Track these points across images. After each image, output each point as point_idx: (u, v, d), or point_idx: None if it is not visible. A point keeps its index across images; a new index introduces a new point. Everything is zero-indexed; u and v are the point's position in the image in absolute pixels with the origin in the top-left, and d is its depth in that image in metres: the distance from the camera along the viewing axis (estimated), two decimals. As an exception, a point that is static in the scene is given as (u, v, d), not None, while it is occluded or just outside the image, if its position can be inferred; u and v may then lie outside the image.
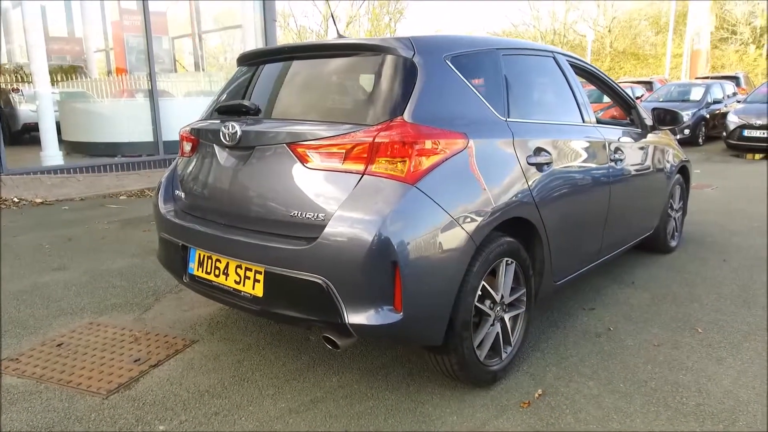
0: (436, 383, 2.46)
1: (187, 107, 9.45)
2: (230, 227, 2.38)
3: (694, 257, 4.29)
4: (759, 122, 10.74)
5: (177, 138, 9.32)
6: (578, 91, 3.17)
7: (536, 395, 2.37)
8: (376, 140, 2.03)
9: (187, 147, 2.75)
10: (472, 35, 3.30)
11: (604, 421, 2.19)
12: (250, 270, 2.27)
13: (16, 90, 10.80)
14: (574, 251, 2.96)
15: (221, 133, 2.39)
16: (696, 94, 13.07)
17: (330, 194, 2.09)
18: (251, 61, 2.81)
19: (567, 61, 3.22)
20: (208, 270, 2.46)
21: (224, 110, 2.62)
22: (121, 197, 7.07)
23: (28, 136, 11.40)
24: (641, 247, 4.15)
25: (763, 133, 10.71)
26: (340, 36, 2.81)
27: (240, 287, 2.31)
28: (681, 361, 2.65)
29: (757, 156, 10.73)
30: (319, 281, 2.03)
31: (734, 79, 15.97)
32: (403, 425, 2.17)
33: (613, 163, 3.21)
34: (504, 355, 2.47)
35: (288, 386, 2.46)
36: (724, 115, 12.13)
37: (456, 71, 2.35)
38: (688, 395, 2.36)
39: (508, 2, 51.00)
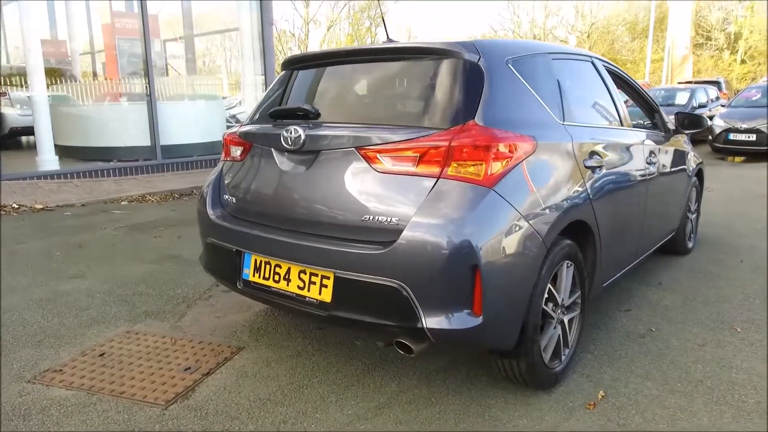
0: (497, 387, 2.46)
1: (185, 111, 9.33)
2: (292, 232, 2.35)
3: (712, 258, 4.38)
4: (744, 126, 11.02)
5: (175, 143, 9.16)
6: (616, 95, 3.22)
7: (599, 396, 2.38)
8: (453, 144, 2.03)
9: (236, 151, 2.70)
10: (522, 40, 3.32)
11: (671, 421, 2.22)
12: (316, 275, 2.25)
13: (3, 93, 10.53)
14: (619, 253, 2.99)
15: (282, 137, 2.36)
16: (681, 98, 13.36)
17: (404, 198, 2.08)
18: (299, 65, 2.78)
19: (603, 65, 3.27)
20: (266, 275, 2.43)
21: (279, 114, 2.58)
22: (122, 202, 6.93)
23: (13, 140, 11.14)
24: (660, 249, 4.22)
25: (748, 137, 10.99)
26: (390, 40, 2.80)
27: (304, 293, 2.28)
28: (729, 360, 2.70)
29: (738, 159, 11.03)
30: (396, 286, 2.01)
31: (716, 83, 16.38)
32: (475, 429, 2.17)
33: (649, 166, 3.27)
34: (563, 357, 2.48)
35: (349, 392, 2.43)
36: (709, 119, 12.42)
37: (518, 75, 2.37)
38: (746, 393, 2.40)
39: (488, 7, 51.47)
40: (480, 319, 1.99)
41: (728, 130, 11.19)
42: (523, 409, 2.30)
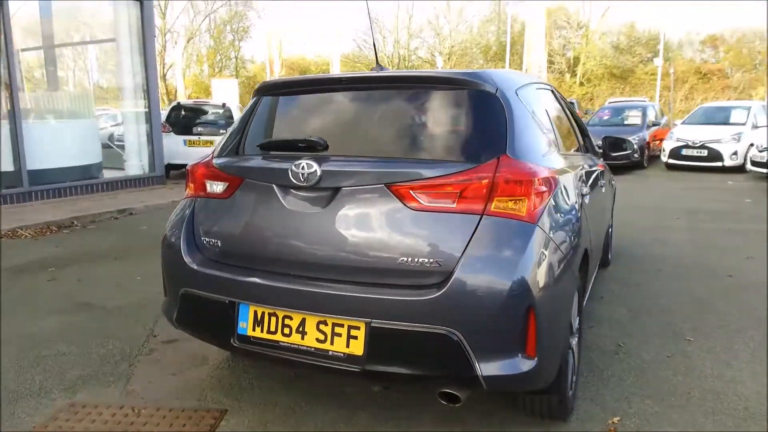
0: (515, 422, 2.40)
1: (55, 131, 8.21)
2: (305, 278, 2.10)
3: (630, 268, 4.76)
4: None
5: (44, 167, 7.96)
6: (573, 121, 3.36)
7: (614, 420, 2.42)
8: (496, 179, 1.94)
9: (216, 186, 2.37)
10: (509, 70, 3.33)
11: (687, 438, 2.31)
12: (341, 326, 2.02)
13: None
14: (592, 272, 3.10)
15: (291, 173, 2.10)
16: (547, 117, 14.60)
17: (445, 237, 1.94)
18: (280, 91, 2.53)
19: (557, 93, 3.40)
20: (272, 329, 2.14)
21: (276, 146, 2.31)
22: (-12, 240, 5.88)
23: None
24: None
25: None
26: (379, 66, 2.66)
27: (326, 346, 2.04)
28: (702, 370, 2.90)
29: None
30: (447, 333, 1.87)
31: (571, 104, 18.19)
32: (519, 474, 2.08)
33: (601, 188, 3.46)
34: (573, 384, 2.49)
35: (371, 450, 2.22)
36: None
37: (525, 105, 2.35)
38: (732, 401, 2.59)
39: (353, 23, 52.51)
40: (534, 362, 1.91)
41: (590, 147, 12.44)
42: (553, 444, 2.26)
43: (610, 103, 17.43)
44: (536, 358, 1.92)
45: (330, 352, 2.03)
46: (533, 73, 23.39)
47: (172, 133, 10.21)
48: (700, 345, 3.20)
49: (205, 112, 11.20)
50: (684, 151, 11.96)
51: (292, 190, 2.15)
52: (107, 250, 5.57)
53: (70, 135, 8.28)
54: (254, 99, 2.61)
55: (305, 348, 2.08)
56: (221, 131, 10.48)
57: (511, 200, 1.96)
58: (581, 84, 35.20)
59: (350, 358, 2.00)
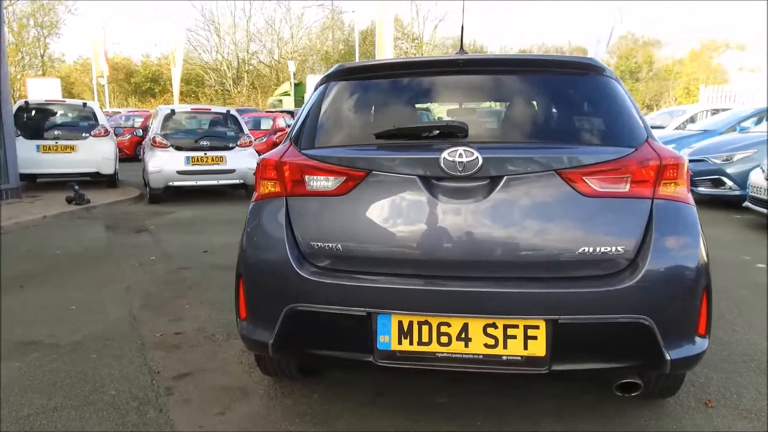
0: (624, 404, 2.41)
1: None
2: (467, 279, 1.90)
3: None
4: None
5: None
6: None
7: (707, 399, 2.55)
8: (662, 162, 1.94)
9: (327, 183, 2.02)
10: None
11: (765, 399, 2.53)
12: (515, 327, 1.86)
13: None
14: None
15: (443, 162, 1.87)
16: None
17: (622, 222, 1.90)
18: (367, 75, 2.27)
19: None
20: (425, 339, 1.89)
21: (406, 133, 2.04)
22: None
23: None
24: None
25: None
26: (462, 51, 2.49)
27: (498, 351, 1.86)
28: (720, 338, 3.17)
29: None
30: (639, 321, 1.82)
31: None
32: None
33: None
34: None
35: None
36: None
37: None
38: (763, 360, 2.90)
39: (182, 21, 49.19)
40: (706, 340, 1.95)
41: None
42: (668, 418, 2.32)
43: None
44: (706, 336, 1.95)
45: (504, 357, 1.86)
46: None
47: (21, 138, 8.61)
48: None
49: (61, 113, 9.64)
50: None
51: (437, 182, 1.92)
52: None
53: None
54: (327, 84, 2.29)
55: (471, 356, 1.87)
56: (84, 135, 9.12)
57: (672, 183, 1.97)
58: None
59: (531, 361, 1.85)
